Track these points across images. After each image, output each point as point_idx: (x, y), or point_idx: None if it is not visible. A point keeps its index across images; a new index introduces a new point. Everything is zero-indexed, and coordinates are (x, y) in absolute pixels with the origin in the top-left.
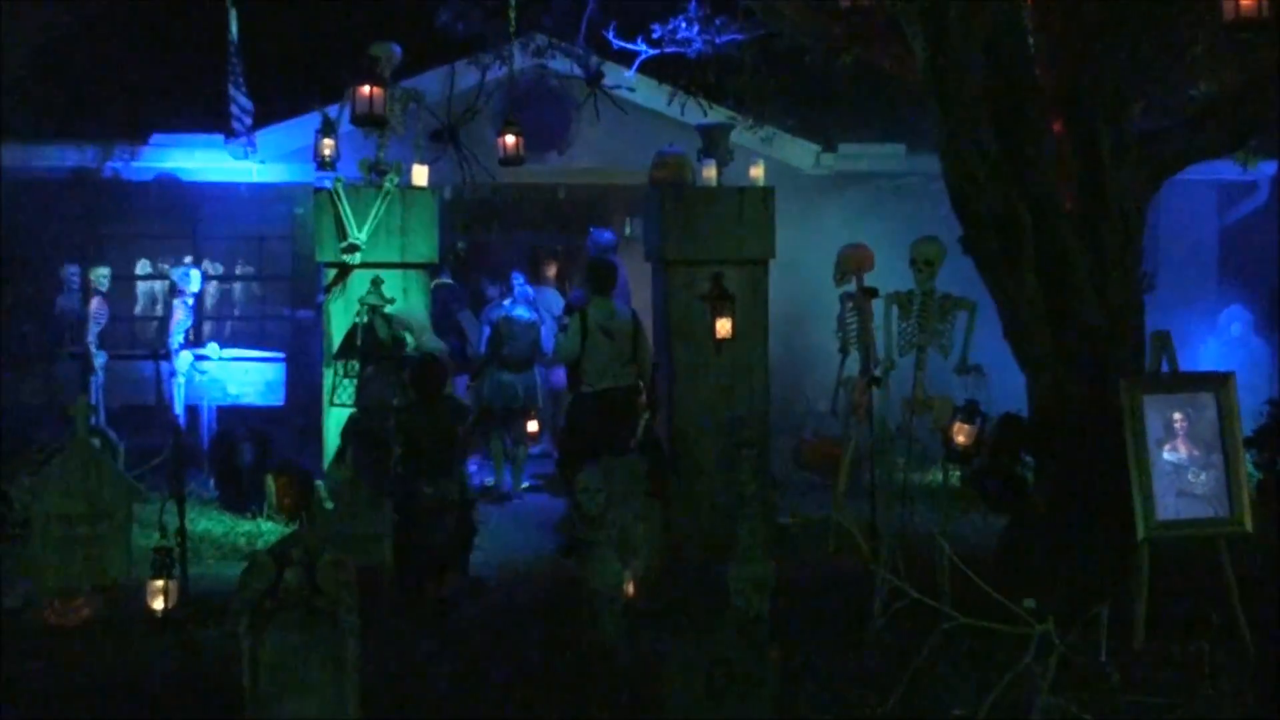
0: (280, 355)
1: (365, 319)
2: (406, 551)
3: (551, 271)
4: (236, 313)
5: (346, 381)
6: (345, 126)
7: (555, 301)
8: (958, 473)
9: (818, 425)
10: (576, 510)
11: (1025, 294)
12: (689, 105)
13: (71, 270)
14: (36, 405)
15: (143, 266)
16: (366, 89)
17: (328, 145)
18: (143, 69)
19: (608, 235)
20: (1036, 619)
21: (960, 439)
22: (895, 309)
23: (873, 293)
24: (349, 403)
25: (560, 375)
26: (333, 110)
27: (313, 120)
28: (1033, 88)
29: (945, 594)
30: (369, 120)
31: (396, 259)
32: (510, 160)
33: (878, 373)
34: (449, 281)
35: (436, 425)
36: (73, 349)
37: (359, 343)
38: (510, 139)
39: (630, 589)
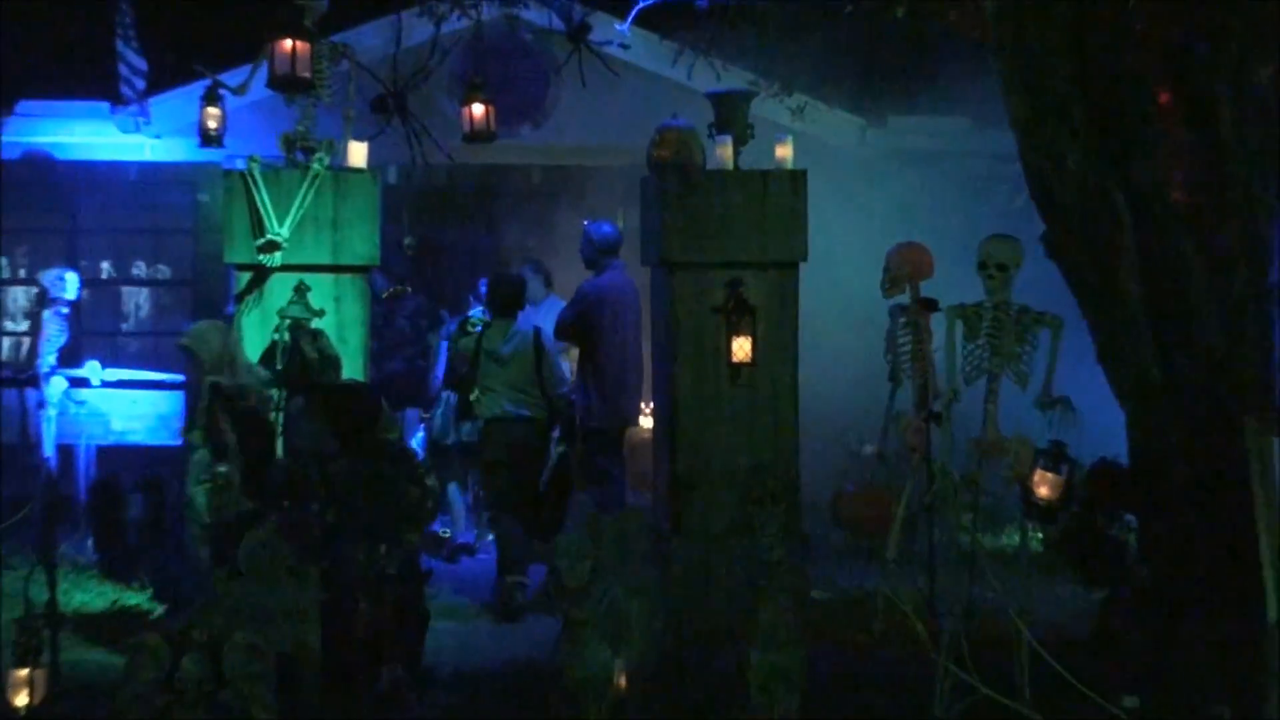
0: (179, 380)
1: (287, 336)
2: (335, 634)
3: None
4: (124, 327)
5: None
6: (261, 92)
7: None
8: (1039, 534)
9: (861, 473)
10: (554, 580)
11: (1125, 308)
12: (699, 67)
13: None
14: None
15: (4, 268)
16: (288, 44)
17: (213, 116)
18: (5, 19)
19: (608, 229)
20: None
21: (1043, 491)
22: (960, 326)
23: (932, 305)
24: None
25: None
26: (236, 76)
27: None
28: (1134, 44)
29: (1023, 690)
30: (290, 84)
31: (327, 260)
32: (479, 135)
33: (938, 407)
34: (407, 289)
35: (372, 476)
36: None
37: (279, 366)
38: (478, 109)
39: (622, 682)
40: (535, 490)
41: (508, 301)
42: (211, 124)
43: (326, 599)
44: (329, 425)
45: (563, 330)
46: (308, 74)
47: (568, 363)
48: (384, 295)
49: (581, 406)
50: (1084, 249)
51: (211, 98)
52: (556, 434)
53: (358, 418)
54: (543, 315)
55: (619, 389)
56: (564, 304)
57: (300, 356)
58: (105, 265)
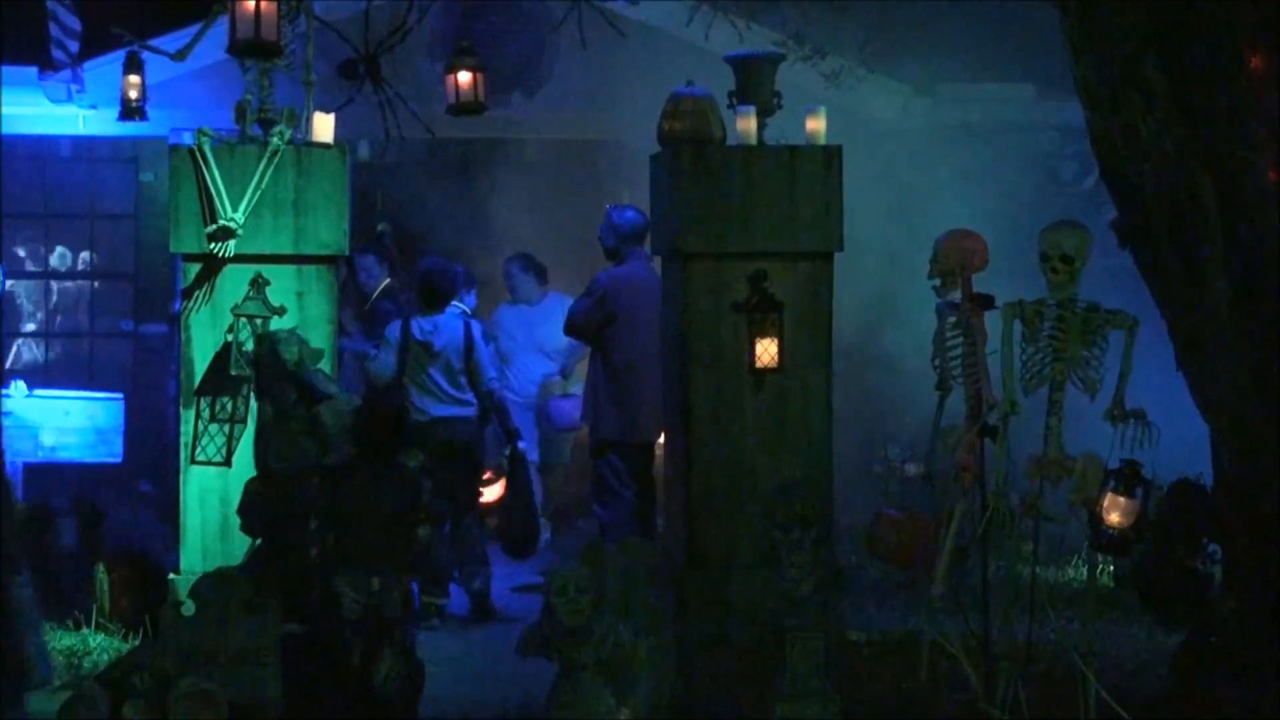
0: (117, 391)
1: (244, 336)
2: (303, 684)
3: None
4: (54, 326)
5: (215, 428)
6: (213, 55)
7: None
8: (1110, 566)
9: (905, 496)
10: (549, 619)
11: (1210, 305)
12: (717, 26)
13: None
14: None
15: None
16: (250, 4)
17: (133, 84)
18: None
19: (632, 214)
20: None
21: (1114, 518)
22: (1019, 326)
23: (986, 302)
24: (219, 459)
25: (562, 409)
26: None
27: (167, 47)
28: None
29: None
30: (254, 49)
31: (288, 249)
32: (466, 107)
33: (993, 419)
34: (391, 282)
35: (376, 500)
36: None
37: (236, 371)
38: (464, 77)
39: None
40: (472, 503)
41: (436, 298)
42: (132, 93)
43: (297, 638)
44: (354, 440)
45: (575, 326)
46: (274, 37)
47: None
48: (376, 292)
49: (590, 412)
50: (1162, 236)
51: (132, 64)
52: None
53: (386, 435)
54: (542, 317)
55: (636, 397)
56: (568, 301)
57: (276, 357)
58: (30, 257)
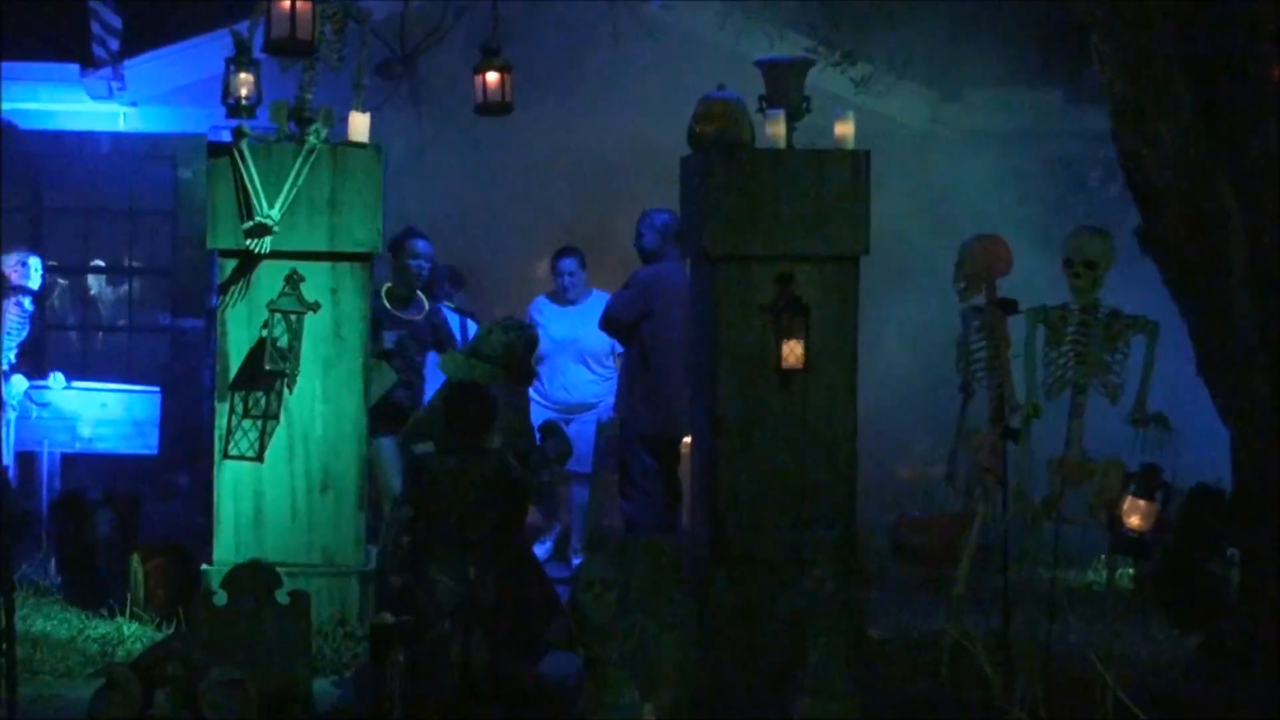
0: (154, 384)
1: (278, 331)
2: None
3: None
4: (93, 320)
5: (248, 424)
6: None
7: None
8: (1129, 570)
9: (927, 497)
10: (575, 614)
11: (1231, 312)
12: (748, 31)
13: None
14: None
15: None
16: (286, 3)
17: (245, 82)
18: None
19: (666, 216)
20: None
21: (1134, 521)
22: (1042, 331)
23: (1010, 307)
24: (251, 454)
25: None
26: (243, 27)
27: (207, 45)
28: (1245, 6)
29: None
30: (289, 47)
31: (323, 246)
32: (492, 107)
33: (1015, 422)
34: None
35: (477, 483)
36: None
37: (271, 367)
38: (492, 77)
39: None
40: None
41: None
42: (243, 90)
43: (408, 626)
44: (447, 421)
45: (613, 320)
46: (308, 36)
47: (613, 367)
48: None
49: (623, 407)
50: (1184, 243)
51: (241, 59)
52: None
53: (478, 417)
54: (587, 317)
55: (669, 394)
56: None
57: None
58: (71, 249)
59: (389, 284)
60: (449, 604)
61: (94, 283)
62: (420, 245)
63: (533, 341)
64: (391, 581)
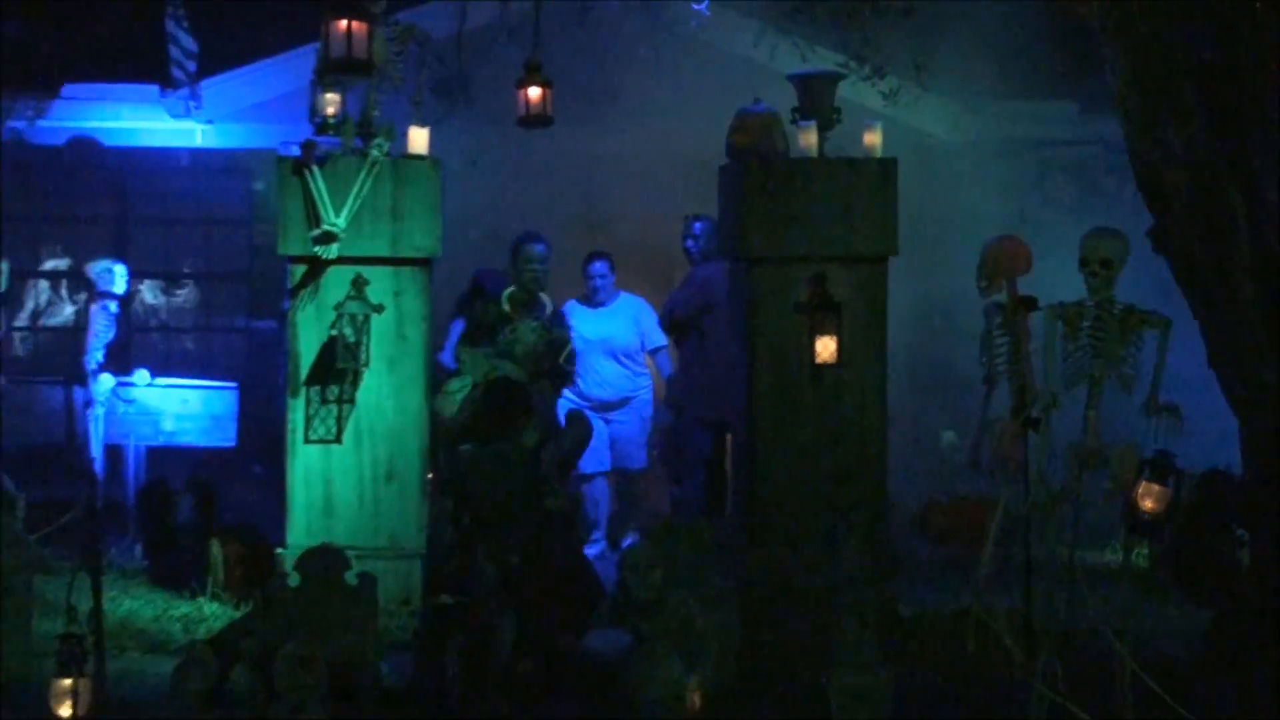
0: (231, 381)
1: (346, 331)
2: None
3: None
4: (175, 322)
5: (325, 411)
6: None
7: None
8: (1144, 550)
9: (953, 482)
10: (623, 594)
11: (1238, 308)
12: (781, 48)
13: None
14: None
15: (50, 260)
16: (343, 24)
17: (331, 101)
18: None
19: (701, 224)
20: None
21: (1148, 503)
22: (1060, 326)
23: (1030, 304)
24: (330, 436)
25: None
26: (291, 59)
27: (276, 67)
28: (1249, 19)
29: (1124, 717)
30: (346, 66)
31: (386, 252)
32: (534, 120)
33: (1036, 412)
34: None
35: (513, 474)
36: None
37: (343, 365)
38: (534, 91)
39: (695, 702)
40: None
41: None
42: (330, 110)
43: (456, 610)
44: (484, 414)
45: (675, 318)
46: (365, 55)
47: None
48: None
49: (682, 395)
50: (1194, 244)
51: (331, 82)
52: None
53: (514, 410)
54: (614, 317)
55: (726, 382)
56: (637, 302)
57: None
58: (154, 256)
59: (511, 289)
60: (493, 587)
61: (176, 287)
62: (537, 249)
63: (558, 343)
64: (441, 569)
